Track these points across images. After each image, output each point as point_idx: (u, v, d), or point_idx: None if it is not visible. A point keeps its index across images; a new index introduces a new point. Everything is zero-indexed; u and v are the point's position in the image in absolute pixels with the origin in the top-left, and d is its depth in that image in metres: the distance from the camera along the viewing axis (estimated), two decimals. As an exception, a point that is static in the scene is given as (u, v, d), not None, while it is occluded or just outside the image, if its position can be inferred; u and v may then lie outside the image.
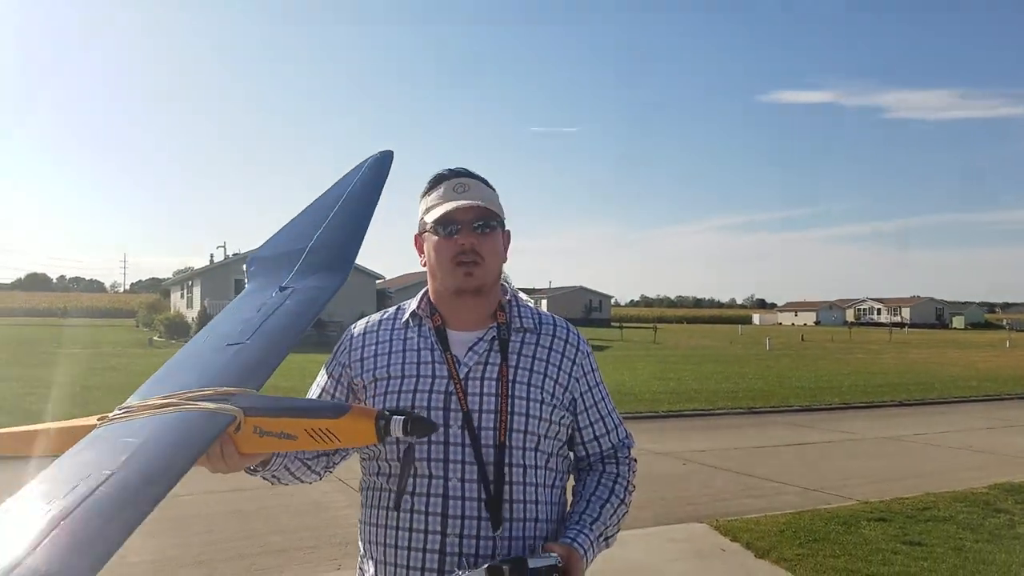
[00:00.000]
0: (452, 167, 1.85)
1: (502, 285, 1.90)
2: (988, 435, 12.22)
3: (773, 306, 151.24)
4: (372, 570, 1.77)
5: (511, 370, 1.77)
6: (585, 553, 1.69)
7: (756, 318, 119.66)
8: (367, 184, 2.08)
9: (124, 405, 1.54)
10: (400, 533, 1.71)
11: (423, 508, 1.69)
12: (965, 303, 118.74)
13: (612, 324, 71.40)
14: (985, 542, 5.96)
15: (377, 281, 44.49)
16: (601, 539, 1.76)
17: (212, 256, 47.22)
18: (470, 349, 1.78)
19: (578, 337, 1.91)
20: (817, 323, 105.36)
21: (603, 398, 1.91)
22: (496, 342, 1.80)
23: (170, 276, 63.60)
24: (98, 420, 1.56)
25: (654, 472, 8.75)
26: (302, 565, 5.52)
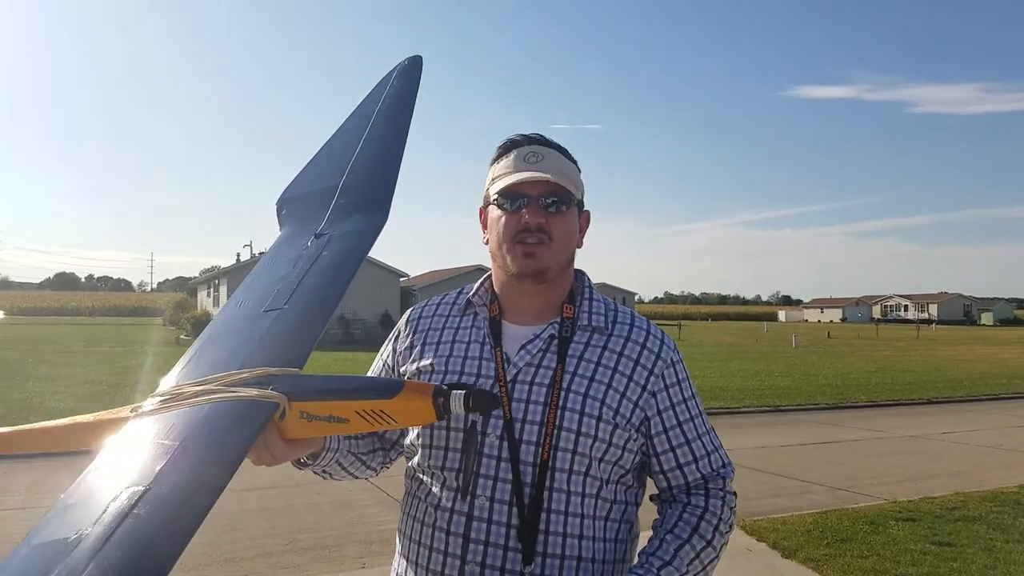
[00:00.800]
0: (527, 132, 1.62)
1: (577, 273, 1.66)
2: (1018, 433, 12.05)
3: (799, 303, 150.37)
4: (402, 567, 1.58)
5: (567, 376, 1.50)
6: None
7: (782, 315, 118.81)
8: (397, 97, 1.84)
9: (158, 392, 1.41)
10: (422, 550, 1.52)
11: (445, 526, 1.47)
12: (994, 299, 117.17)
13: (636, 321, 70.75)
14: (1016, 542, 5.87)
15: (401, 279, 44.58)
16: None
17: (239, 255, 47.63)
18: (523, 347, 1.54)
19: (661, 342, 1.59)
20: (843, 320, 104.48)
21: (692, 418, 1.57)
22: (555, 341, 1.54)
23: (197, 275, 64.20)
24: (131, 411, 1.44)
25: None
26: (327, 563, 5.54)
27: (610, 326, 1.58)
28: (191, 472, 1.17)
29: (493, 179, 1.59)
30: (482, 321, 1.60)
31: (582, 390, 1.48)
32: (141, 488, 1.13)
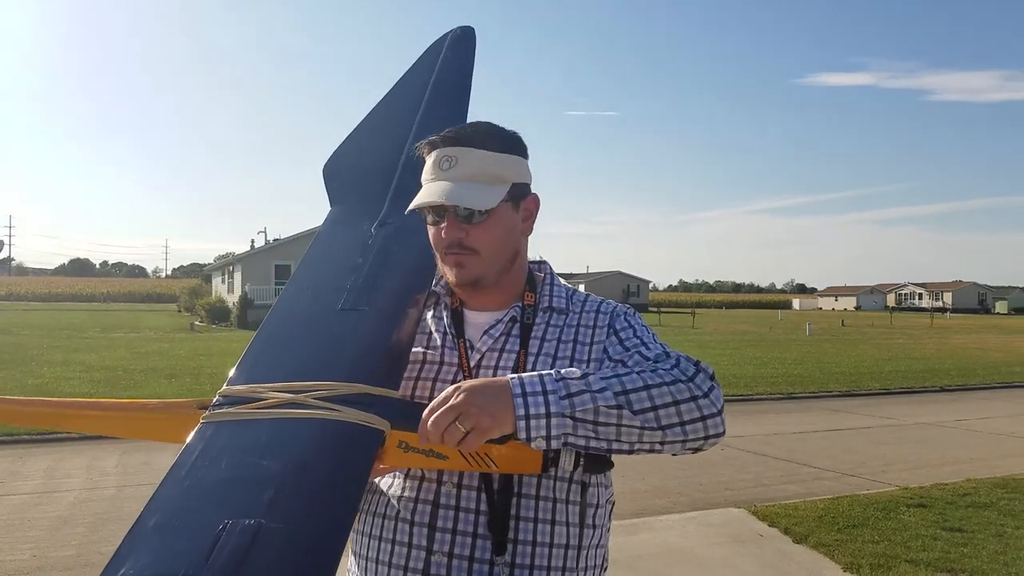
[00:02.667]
0: (448, 129, 1.47)
1: (539, 263, 1.63)
2: (1032, 421, 11.99)
3: (813, 291, 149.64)
4: (360, 566, 1.47)
5: (531, 358, 1.44)
6: (522, 385, 1.23)
7: (796, 303, 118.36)
8: (453, 71, 1.73)
9: (230, 391, 1.26)
10: (383, 545, 1.40)
11: (409, 517, 1.38)
12: (1009, 288, 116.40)
13: (650, 309, 71.11)
14: (1028, 529, 5.86)
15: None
16: (582, 400, 1.22)
17: (253, 242, 47.83)
18: (485, 333, 1.49)
19: (613, 305, 1.56)
20: (857, 308, 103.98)
21: (646, 333, 1.49)
22: (516, 325, 1.49)
23: (211, 262, 64.55)
24: (198, 407, 1.31)
25: (691, 458, 8.69)
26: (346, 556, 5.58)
27: (569, 304, 1.54)
28: (310, 507, 1.05)
29: (419, 184, 1.49)
30: (443, 311, 1.54)
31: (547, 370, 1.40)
32: (251, 523, 1.00)
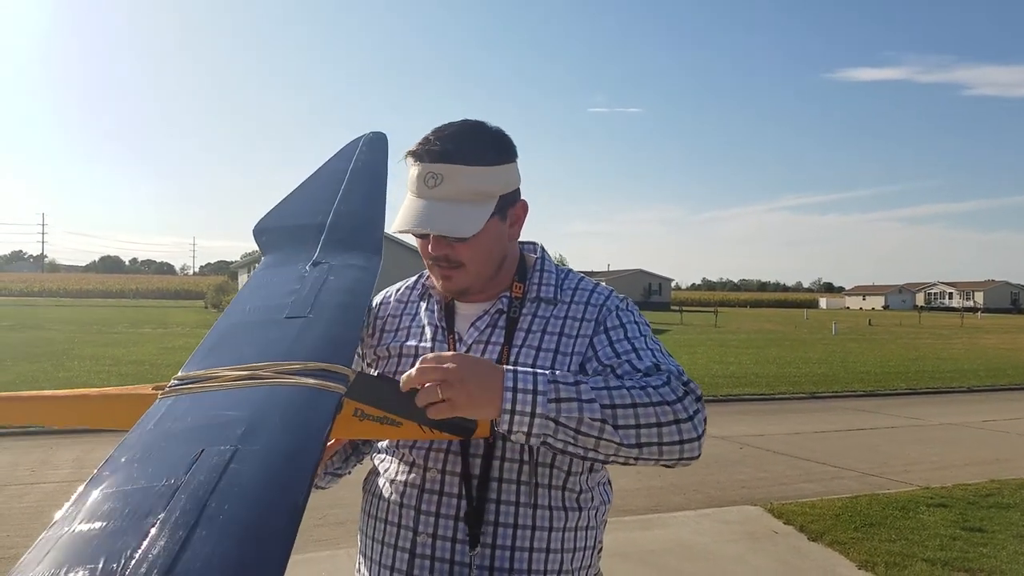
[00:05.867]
0: (429, 142, 1.45)
1: (531, 245, 1.64)
2: (1060, 422, 11.83)
3: (840, 290, 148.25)
4: (358, 561, 1.57)
5: (514, 351, 1.46)
6: (515, 379, 1.23)
7: (823, 302, 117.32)
8: (369, 163, 1.89)
9: (184, 375, 1.27)
10: (379, 524, 1.49)
11: (399, 499, 1.46)
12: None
13: (672, 308, 70.82)
14: (1050, 530, 5.81)
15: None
16: (568, 408, 1.23)
17: (278, 239, 48.00)
18: (472, 325, 1.52)
19: (605, 296, 1.54)
20: (886, 307, 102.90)
21: (637, 335, 1.47)
22: (502, 317, 1.51)
23: (238, 259, 65.01)
24: (154, 389, 1.34)
25: (710, 455, 8.68)
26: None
27: (558, 293, 1.54)
28: (281, 437, 1.06)
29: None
30: (434, 304, 1.58)
31: (529, 362, 1.44)
32: (228, 447, 1.02)
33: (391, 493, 1.48)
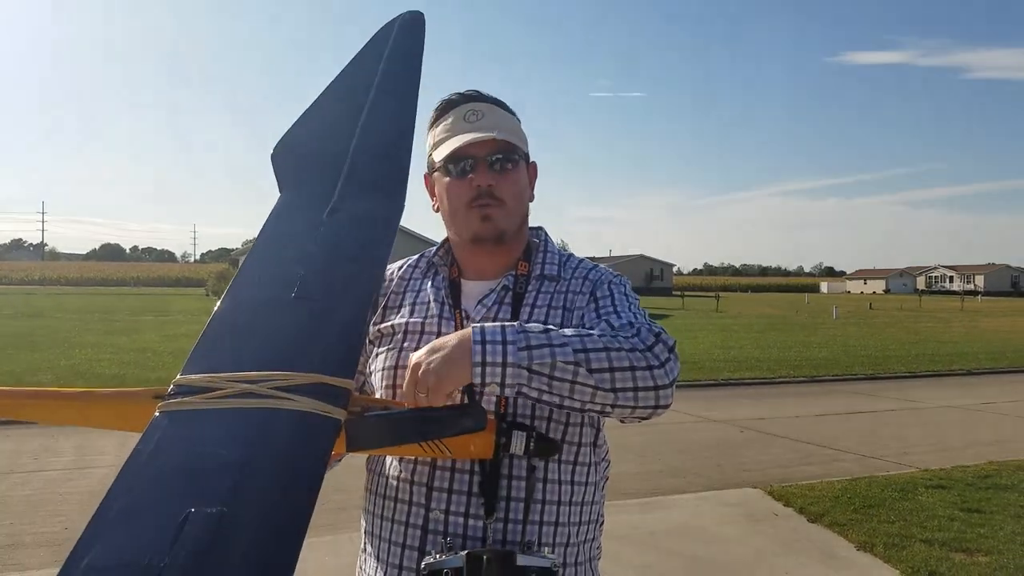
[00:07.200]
0: (463, 90, 1.57)
1: (535, 229, 1.68)
2: (1060, 405, 11.87)
3: (842, 274, 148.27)
4: (364, 540, 1.58)
5: None
6: (483, 333, 1.26)
7: (824, 286, 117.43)
8: (404, 56, 1.73)
9: (186, 380, 1.23)
10: (387, 503, 1.50)
11: (409, 476, 1.46)
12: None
13: (674, 293, 70.79)
14: (1047, 510, 5.85)
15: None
16: (540, 353, 1.25)
17: (278, 226, 47.91)
18: (479, 303, 1.54)
19: (601, 272, 1.60)
20: (886, 291, 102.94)
21: (623, 303, 1.51)
22: (509, 294, 1.54)
23: (239, 246, 65.04)
24: (154, 396, 1.31)
25: (710, 439, 8.79)
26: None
27: (561, 271, 1.59)
28: (271, 494, 1.05)
29: (435, 144, 1.56)
30: (441, 281, 1.59)
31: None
32: (215, 511, 1.00)
33: (400, 471, 1.48)
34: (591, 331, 1.33)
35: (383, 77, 1.70)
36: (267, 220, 1.58)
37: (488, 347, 1.24)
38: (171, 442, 1.14)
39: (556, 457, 1.46)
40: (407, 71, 1.70)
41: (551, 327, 1.31)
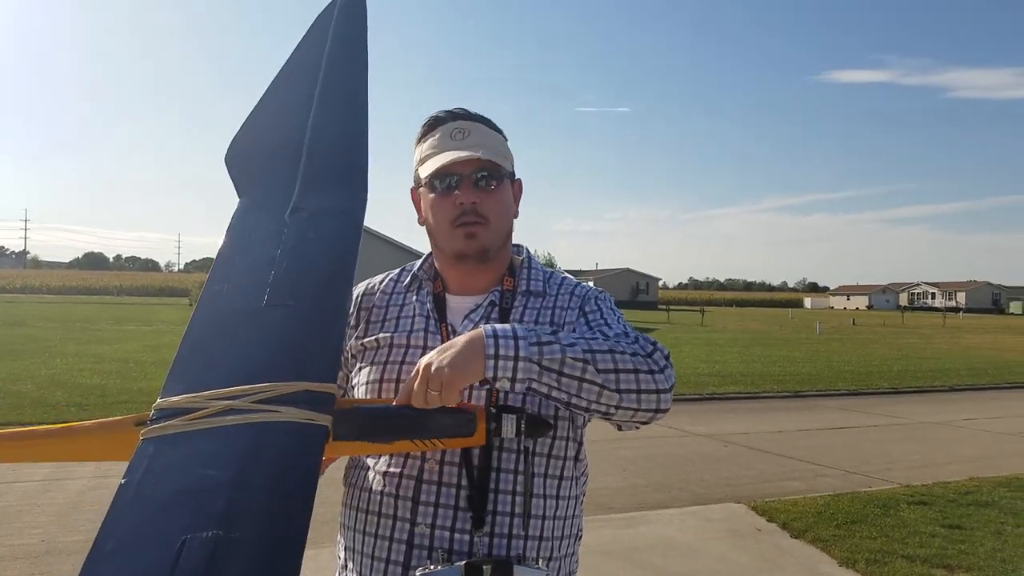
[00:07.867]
0: (450, 108, 1.59)
1: (517, 247, 1.69)
2: (1040, 421, 11.95)
3: (825, 290, 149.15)
4: (343, 557, 1.56)
5: None
6: (495, 330, 1.28)
7: (808, 302, 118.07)
8: (347, 41, 1.66)
9: (166, 403, 1.21)
10: (369, 517, 1.48)
11: (394, 491, 1.44)
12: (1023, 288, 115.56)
13: (659, 307, 70.96)
14: (1027, 527, 5.87)
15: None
16: (551, 350, 1.28)
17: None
18: (466, 317, 1.55)
19: (587, 288, 1.63)
20: (869, 307, 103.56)
21: (612, 316, 1.55)
22: (495, 309, 1.55)
23: (222, 256, 64.50)
24: (135, 424, 1.29)
25: (695, 453, 8.78)
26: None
27: (546, 287, 1.61)
28: (264, 513, 1.03)
29: (421, 160, 1.57)
30: (426, 296, 1.60)
31: None
32: (209, 535, 0.98)
33: (383, 485, 1.46)
34: (594, 336, 1.36)
35: (329, 64, 1.65)
36: (228, 227, 1.53)
37: (501, 341, 1.27)
38: (159, 469, 1.12)
39: (542, 471, 1.47)
40: (353, 55, 1.65)
41: (559, 330, 1.36)
